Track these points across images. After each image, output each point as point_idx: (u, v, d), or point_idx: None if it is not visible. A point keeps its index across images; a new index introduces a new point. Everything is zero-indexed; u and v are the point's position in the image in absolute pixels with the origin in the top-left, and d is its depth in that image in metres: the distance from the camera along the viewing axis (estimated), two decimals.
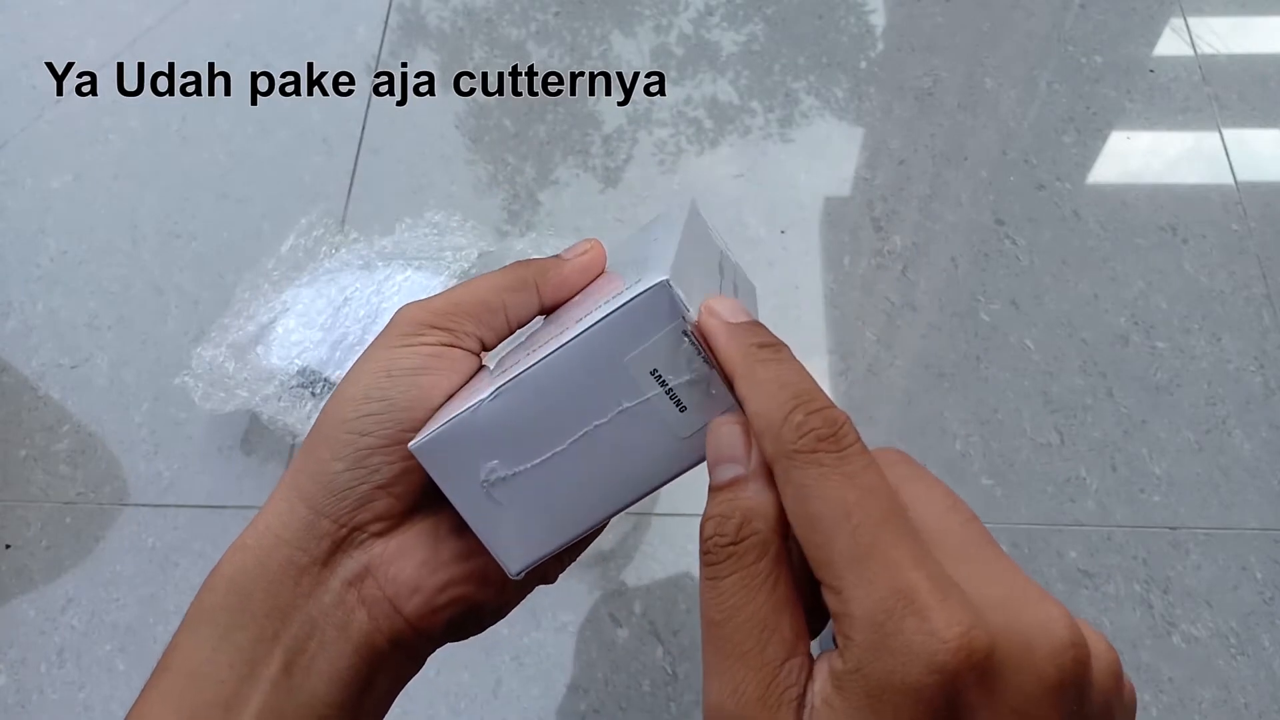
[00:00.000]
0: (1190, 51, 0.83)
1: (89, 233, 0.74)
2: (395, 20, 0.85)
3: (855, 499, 0.17)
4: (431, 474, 0.22)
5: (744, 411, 0.19)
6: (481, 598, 0.24)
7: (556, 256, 0.26)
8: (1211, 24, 0.84)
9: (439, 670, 0.57)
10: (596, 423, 0.21)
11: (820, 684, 0.17)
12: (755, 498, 0.18)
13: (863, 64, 0.83)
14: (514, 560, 0.23)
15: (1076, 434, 0.65)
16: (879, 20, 0.85)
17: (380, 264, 0.64)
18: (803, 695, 0.17)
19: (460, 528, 0.24)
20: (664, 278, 0.20)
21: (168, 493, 0.63)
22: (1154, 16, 0.85)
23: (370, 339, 0.62)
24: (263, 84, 0.81)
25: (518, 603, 0.26)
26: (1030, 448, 0.65)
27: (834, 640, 0.17)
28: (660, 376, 0.21)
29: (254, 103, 0.80)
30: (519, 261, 0.26)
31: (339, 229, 0.72)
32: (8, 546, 0.62)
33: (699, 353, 0.21)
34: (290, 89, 0.81)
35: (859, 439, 0.18)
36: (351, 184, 0.76)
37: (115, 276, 0.72)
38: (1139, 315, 0.70)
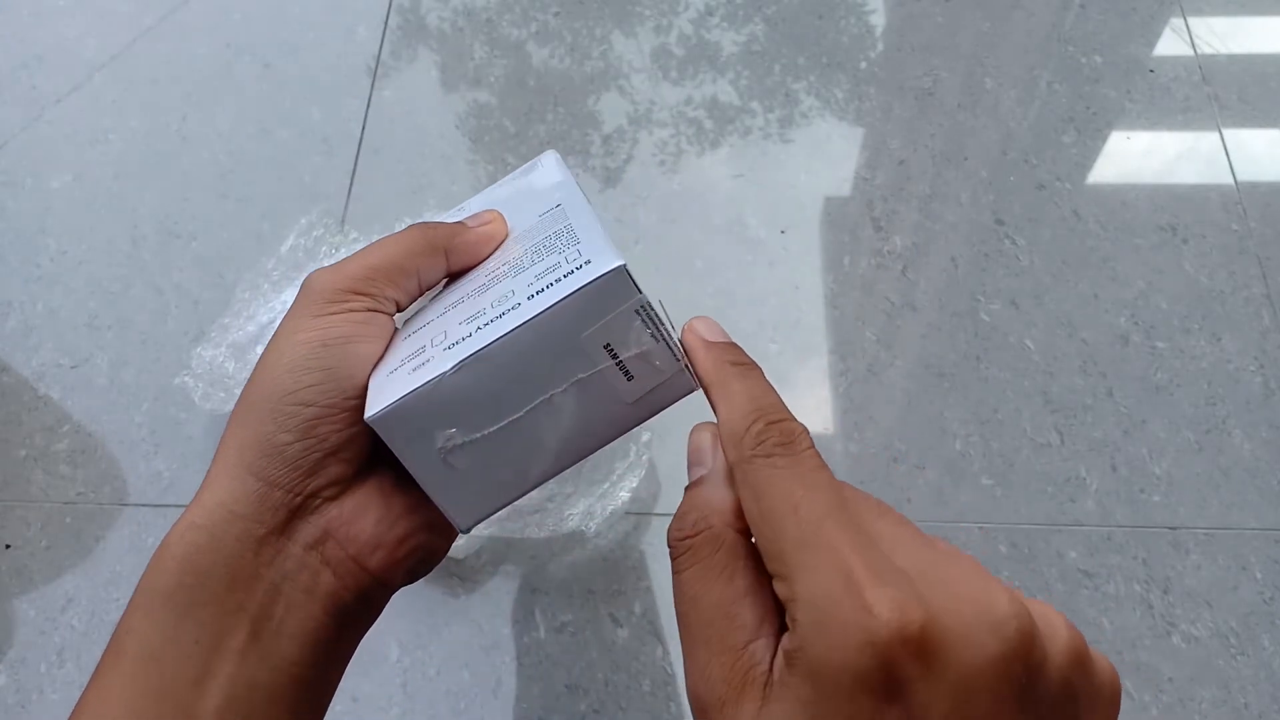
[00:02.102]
0: (1190, 51, 0.83)
1: (89, 233, 0.74)
2: (395, 20, 0.85)
3: (803, 494, 0.18)
4: (389, 444, 0.23)
5: (716, 416, 0.21)
6: (437, 543, 0.25)
7: (460, 223, 0.27)
8: (1211, 24, 0.84)
9: (439, 670, 0.57)
10: (552, 392, 0.23)
11: (778, 662, 0.17)
12: (712, 495, 0.20)
13: (863, 64, 0.83)
14: (465, 518, 0.24)
15: (1076, 434, 0.65)
16: (879, 20, 0.85)
17: None
18: (769, 673, 0.18)
19: (405, 480, 0.24)
20: (620, 263, 0.22)
21: (168, 493, 0.63)
22: (1154, 16, 0.85)
23: None
24: (263, 83, 0.81)
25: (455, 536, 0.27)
26: (1030, 448, 0.65)
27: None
28: (612, 350, 0.23)
29: (254, 103, 0.80)
30: (422, 224, 0.26)
31: (339, 229, 0.72)
32: (8, 546, 0.62)
33: (647, 329, 0.23)
34: (290, 89, 0.81)
35: (813, 447, 0.19)
36: (351, 184, 0.76)
37: (115, 276, 0.72)
38: (1139, 315, 0.70)
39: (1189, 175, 0.76)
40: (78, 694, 0.61)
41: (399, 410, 0.22)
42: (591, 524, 0.56)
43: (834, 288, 0.71)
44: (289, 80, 0.82)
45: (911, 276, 0.71)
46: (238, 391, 0.59)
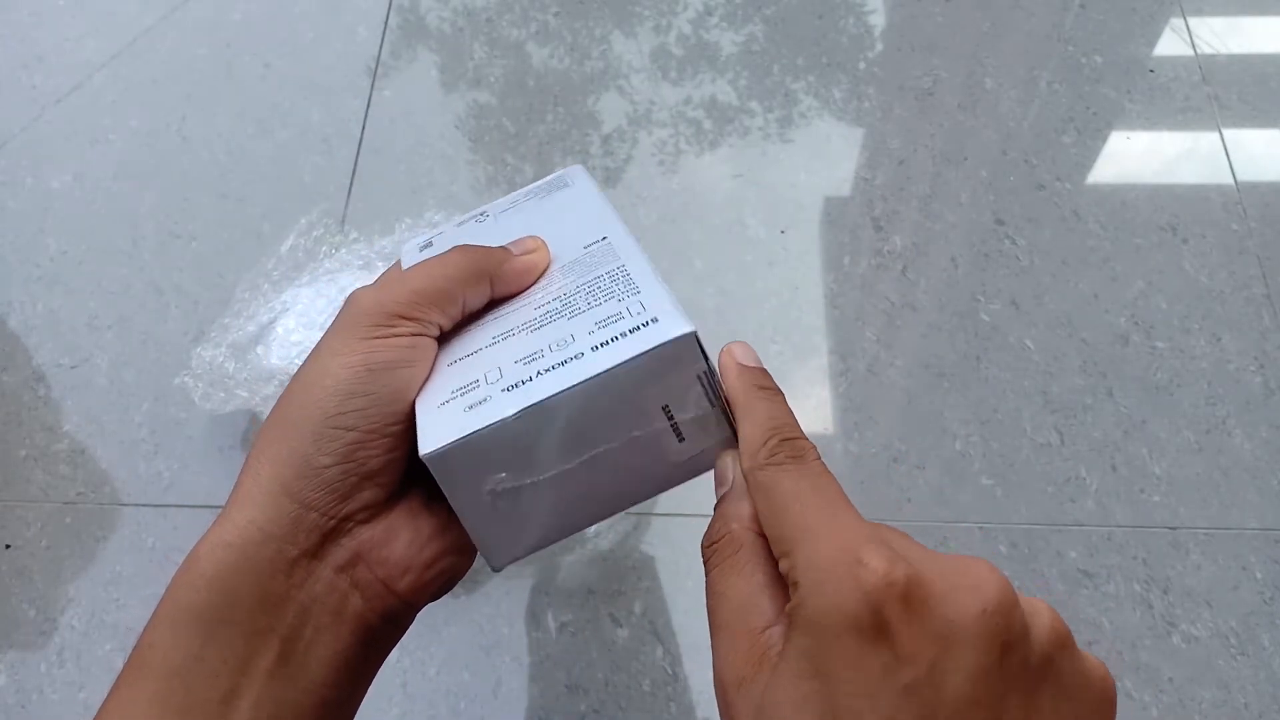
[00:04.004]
0: (1190, 51, 0.83)
1: (89, 233, 0.74)
2: (395, 20, 0.85)
3: (807, 486, 0.20)
4: (440, 481, 0.23)
5: (737, 434, 0.23)
6: (462, 561, 0.26)
7: (504, 249, 0.27)
8: (1211, 24, 0.84)
9: (439, 670, 0.57)
10: (606, 446, 0.23)
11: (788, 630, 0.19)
12: (732, 506, 0.22)
13: (862, 64, 0.83)
14: (500, 558, 0.25)
15: (1076, 434, 0.65)
16: (878, 20, 0.85)
17: (380, 264, 0.64)
18: (783, 652, 0.19)
19: (430, 504, 0.25)
20: (691, 329, 0.22)
21: (168, 493, 0.63)
22: (1154, 16, 0.85)
23: None
24: (263, 83, 0.81)
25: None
26: (1030, 448, 0.65)
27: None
28: (669, 411, 0.23)
29: (254, 103, 0.80)
30: (467, 248, 0.26)
31: (339, 229, 0.72)
32: (8, 546, 0.62)
33: (706, 394, 0.23)
34: (290, 89, 0.81)
35: (821, 460, 0.21)
36: (351, 184, 0.76)
37: (115, 276, 0.72)
38: (1139, 315, 0.70)
39: (1189, 175, 0.76)
40: (78, 694, 0.60)
41: (456, 450, 0.22)
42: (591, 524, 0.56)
43: (834, 288, 0.71)
44: (289, 80, 0.82)
45: (911, 276, 0.71)
46: (238, 392, 0.59)
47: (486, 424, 0.22)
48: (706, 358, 0.23)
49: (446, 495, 0.23)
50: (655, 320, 0.23)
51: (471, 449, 0.22)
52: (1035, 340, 0.69)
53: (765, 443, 0.21)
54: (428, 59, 0.83)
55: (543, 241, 0.27)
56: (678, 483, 0.25)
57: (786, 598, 0.20)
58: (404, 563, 0.24)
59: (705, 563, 0.22)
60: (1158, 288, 0.71)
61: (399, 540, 0.24)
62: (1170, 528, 0.62)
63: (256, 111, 0.80)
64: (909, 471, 0.64)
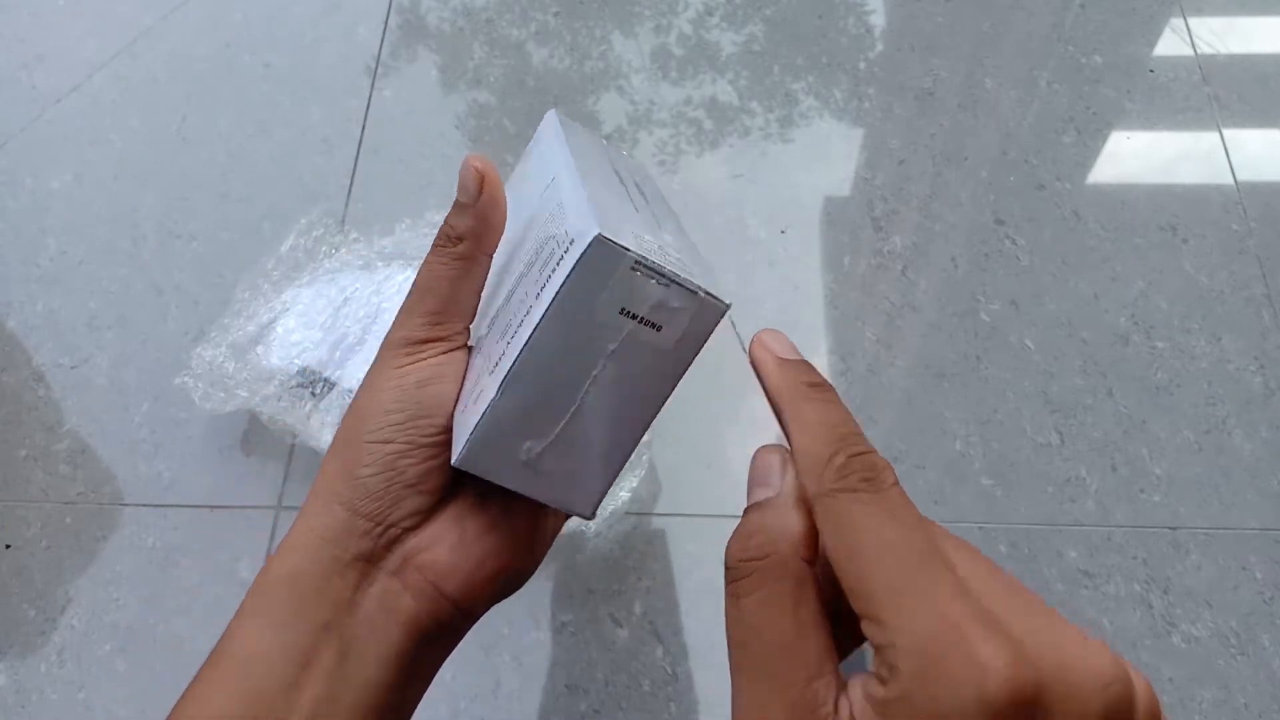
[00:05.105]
0: (1190, 51, 0.83)
1: (89, 233, 0.74)
2: (395, 20, 0.85)
3: (896, 534, 0.17)
4: (483, 477, 0.24)
5: (788, 440, 0.20)
6: (516, 562, 0.27)
7: (460, 204, 0.26)
8: (1211, 24, 0.84)
9: (439, 670, 0.57)
10: (594, 373, 0.23)
11: (859, 708, 0.17)
12: (781, 519, 0.19)
13: (862, 64, 0.83)
14: (584, 507, 0.25)
15: (1076, 434, 0.65)
16: (879, 21, 0.85)
17: (380, 264, 0.64)
18: (834, 715, 0.17)
19: (479, 504, 0.26)
20: (596, 232, 0.21)
21: (168, 493, 0.63)
22: (1154, 16, 0.85)
23: (370, 339, 0.62)
24: (263, 83, 0.81)
25: (545, 553, 0.28)
26: (1030, 448, 0.65)
27: (872, 668, 0.17)
28: (629, 312, 0.22)
29: (254, 103, 0.80)
30: (447, 234, 0.26)
31: (339, 229, 0.72)
32: (8, 546, 0.62)
33: (651, 278, 0.22)
34: (290, 89, 0.81)
35: (898, 482, 0.18)
36: (351, 184, 0.76)
37: (115, 276, 0.72)
38: (1139, 315, 0.70)
39: (1189, 175, 0.76)
40: (77, 694, 0.61)
41: (472, 449, 0.23)
42: (591, 524, 0.56)
43: (834, 288, 0.71)
44: (289, 80, 0.82)
45: (911, 276, 0.71)
46: (238, 392, 0.59)
47: (482, 414, 0.23)
48: (628, 250, 0.21)
49: (498, 484, 0.24)
50: (572, 241, 0.22)
51: (484, 440, 0.23)
52: (1035, 340, 0.69)
53: (830, 459, 0.18)
54: (428, 59, 0.83)
55: (484, 166, 0.26)
56: (693, 358, 0.24)
57: (829, 647, 0.18)
58: (449, 564, 0.25)
59: (735, 582, 0.19)
60: (1158, 288, 0.71)
61: (444, 544, 0.25)
62: (1170, 528, 0.62)
63: (256, 111, 0.80)
64: (909, 471, 0.64)
